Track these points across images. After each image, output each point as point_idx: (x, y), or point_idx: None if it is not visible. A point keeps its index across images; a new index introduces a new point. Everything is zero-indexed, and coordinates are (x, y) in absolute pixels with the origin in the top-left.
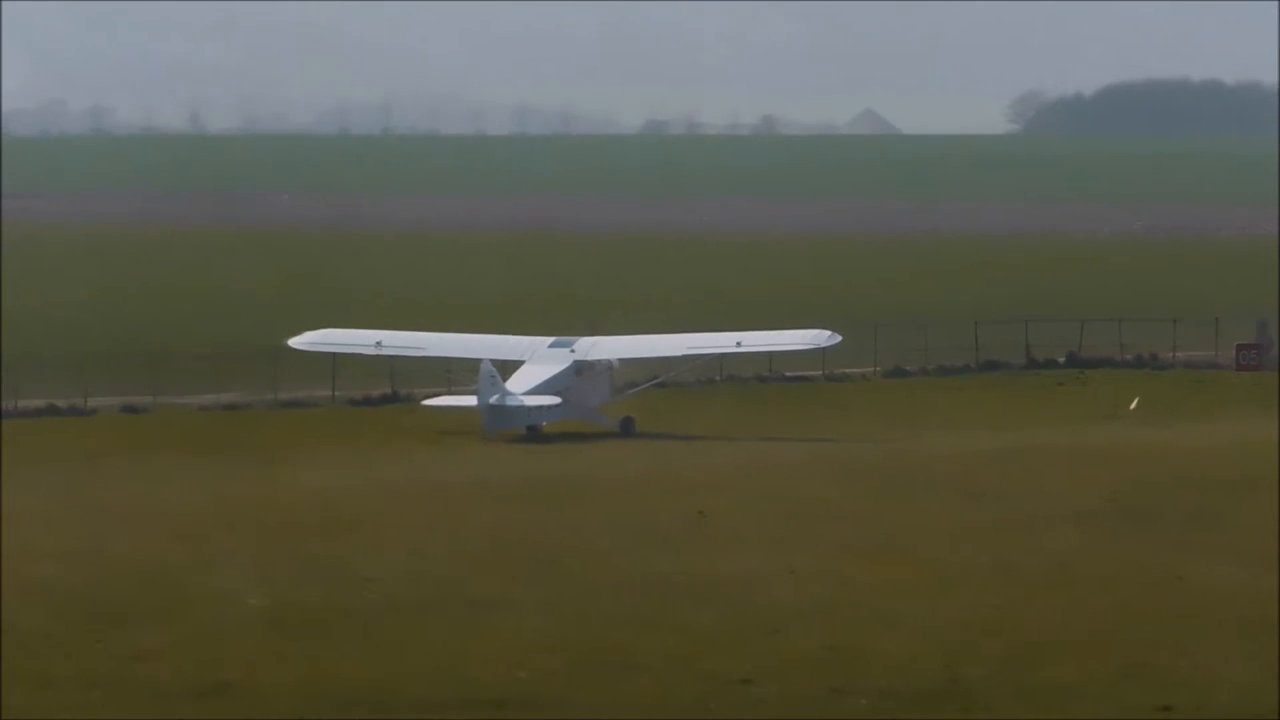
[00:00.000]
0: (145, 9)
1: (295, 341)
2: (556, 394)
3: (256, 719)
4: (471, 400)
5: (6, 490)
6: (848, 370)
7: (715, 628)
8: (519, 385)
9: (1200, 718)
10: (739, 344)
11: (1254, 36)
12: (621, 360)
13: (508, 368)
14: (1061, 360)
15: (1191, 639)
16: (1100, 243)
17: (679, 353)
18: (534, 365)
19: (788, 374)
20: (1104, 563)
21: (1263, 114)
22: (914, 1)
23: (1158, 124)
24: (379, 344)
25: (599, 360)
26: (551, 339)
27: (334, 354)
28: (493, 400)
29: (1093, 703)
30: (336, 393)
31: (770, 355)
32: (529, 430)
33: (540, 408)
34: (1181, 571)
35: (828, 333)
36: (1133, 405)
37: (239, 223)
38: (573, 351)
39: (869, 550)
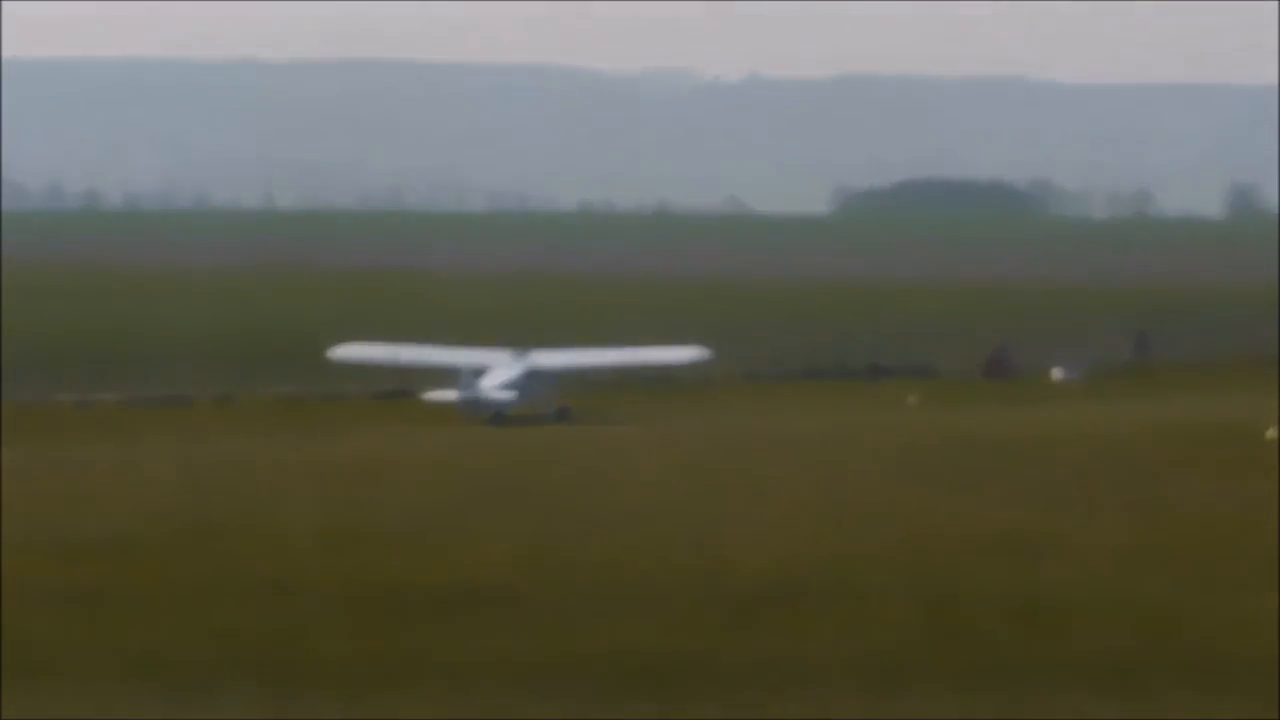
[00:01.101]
0: (232, 116)
1: (334, 352)
2: (515, 390)
3: (309, 609)
4: (455, 394)
5: (137, 456)
6: (715, 376)
7: (619, 547)
8: (488, 384)
9: (959, 606)
10: (641, 357)
11: (1002, 145)
12: (560, 367)
13: (481, 372)
14: (864, 369)
15: (956, 555)
16: (891, 288)
17: (600, 362)
18: (500, 370)
19: (674, 378)
20: (896, 500)
21: (1005, 204)
22: (754, 108)
23: (932, 209)
24: (392, 355)
25: (544, 366)
26: (512, 351)
27: (359, 361)
28: (469, 394)
29: (885, 599)
30: (364, 388)
31: (663, 365)
32: (495, 415)
33: (503, 399)
34: (953, 507)
35: (701, 349)
36: (910, 400)
37: (296, 269)
38: (527, 361)
39: (733, 492)
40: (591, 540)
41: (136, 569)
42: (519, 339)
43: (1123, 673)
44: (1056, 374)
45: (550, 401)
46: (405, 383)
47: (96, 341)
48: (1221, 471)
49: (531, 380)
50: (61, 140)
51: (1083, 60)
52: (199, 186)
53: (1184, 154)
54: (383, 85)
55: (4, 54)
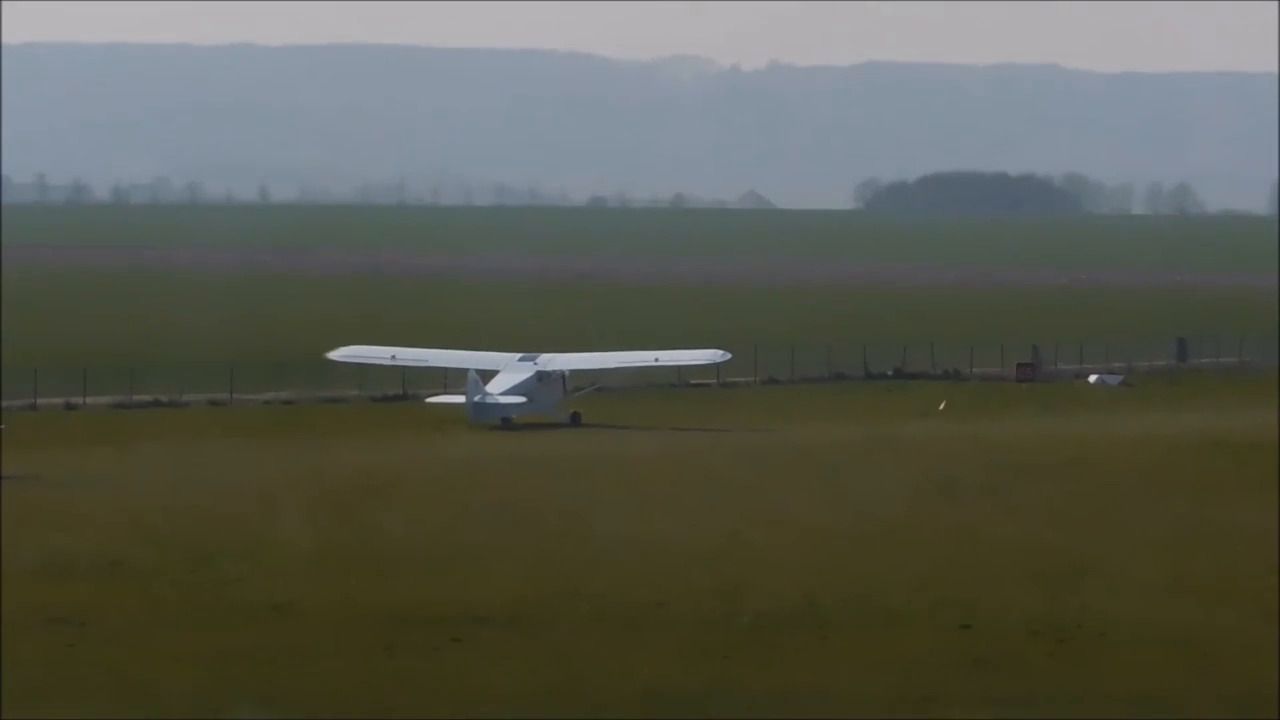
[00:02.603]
0: (226, 112)
1: (332, 355)
2: (523, 395)
3: (308, 634)
4: (461, 399)
5: (133, 460)
6: (735, 379)
7: (638, 567)
8: (496, 388)
9: (990, 632)
10: (657, 359)
11: (1032, 138)
12: (571, 370)
13: (487, 375)
14: (890, 373)
15: (985, 579)
16: (919, 289)
17: (613, 365)
18: (507, 374)
19: (692, 381)
20: (923, 523)
21: (1038, 199)
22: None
23: (960, 204)
24: (393, 357)
25: (555, 370)
26: (520, 355)
27: (360, 364)
28: (476, 399)
29: (913, 624)
30: (363, 392)
31: (679, 368)
32: (503, 421)
33: (511, 404)
34: (979, 530)
35: (721, 352)
36: (941, 406)
37: (292, 269)
38: (535, 364)
39: (752, 511)
40: (600, 561)
41: (123, 592)
42: (528, 344)
43: (1159, 700)
44: (1094, 379)
45: (561, 406)
46: (407, 386)
47: (85, 343)
48: (1264, 484)
49: (541, 384)
50: (48, 130)
51: (1121, 48)
52: (191, 180)
53: (1227, 147)
54: (382, 71)
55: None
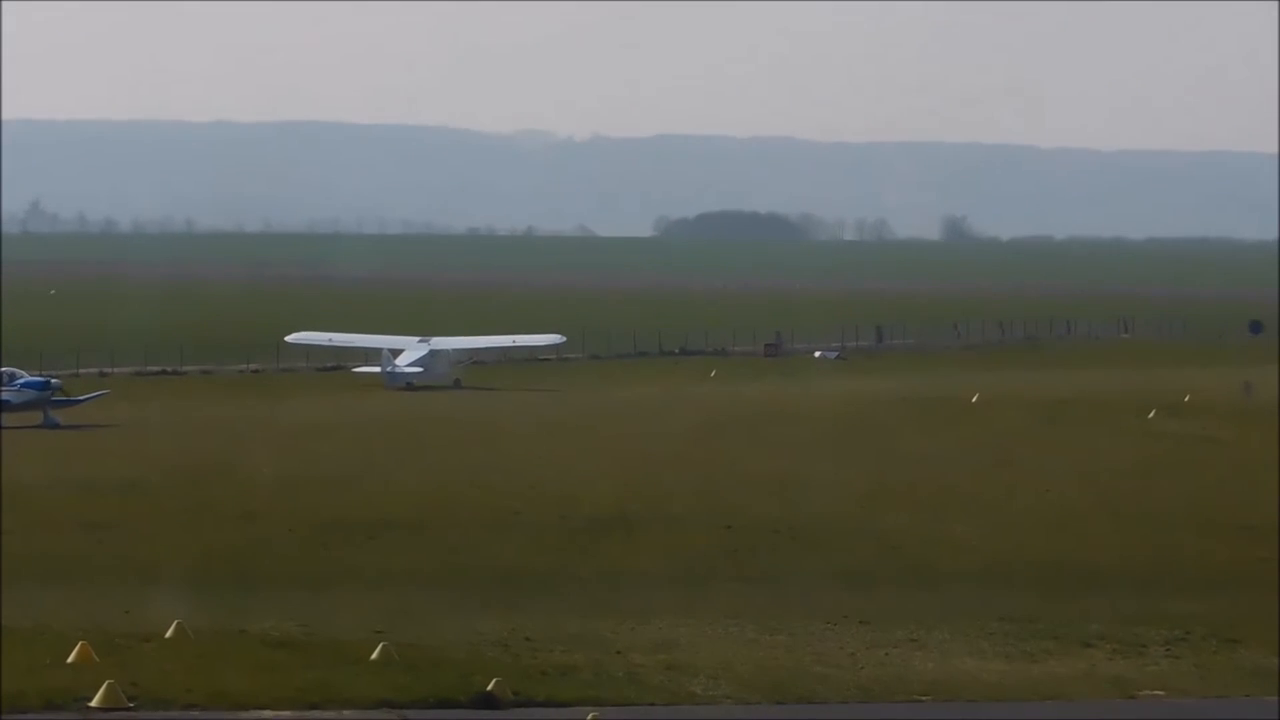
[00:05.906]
0: (212, 163)
1: (289, 338)
2: (421, 367)
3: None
4: (377, 369)
5: (148, 411)
6: (569, 355)
7: (499, 483)
8: (402, 361)
9: (745, 530)
10: (514, 342)
11: (776, 187)
12: (455, 349)
13: (396, 352)
14: (677, 351)
15: (742, 496)
16: (697, 291)
17: (485, 345)
18: (410, 352)
19: (539, 357)
20: (699, 452)
21: (780, 230)
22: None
23: (726, 233)
24: (330, 340)
25: (443, 349)
26: (419, 337)
27: (307, 345)
28: (388, 369)
29: (689, 524)
30: (309, 364)
31: (530, 348)
32: (407, 385)
33: (414, 373)
34: (738, 456)
35: (558, 336)
36: (712, 374)
37: (273, 282)
38: (429, 345)
39: (575, 438)
40: (475, 481)
41: (143, 504)
42: (425, 329)
43: (861, 577)
44: (818, 355)
45: (448, 374)
46: (340, 360)
47: (109, 330)
48: (937, 427)
49: (434, 359)
50: (88, 181)
51: (835, 122)
52: (188, 215)
53: (913, 193)
54: (323, 138)
55: (33, 116)
